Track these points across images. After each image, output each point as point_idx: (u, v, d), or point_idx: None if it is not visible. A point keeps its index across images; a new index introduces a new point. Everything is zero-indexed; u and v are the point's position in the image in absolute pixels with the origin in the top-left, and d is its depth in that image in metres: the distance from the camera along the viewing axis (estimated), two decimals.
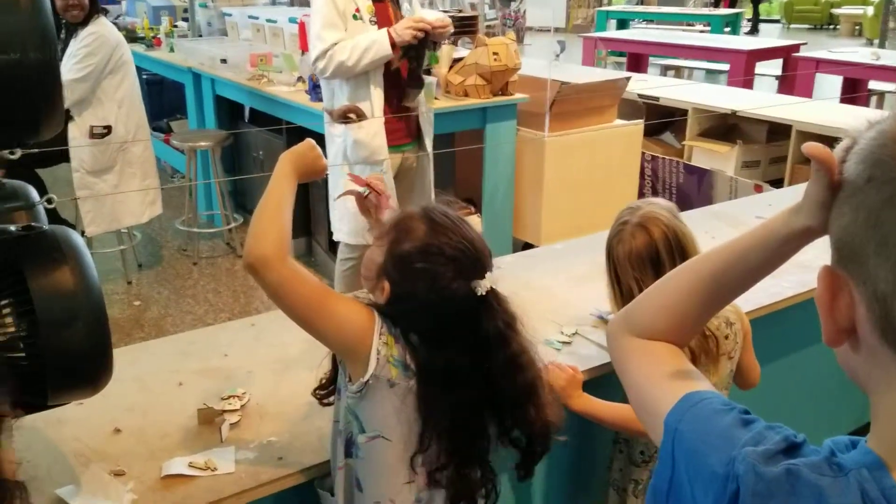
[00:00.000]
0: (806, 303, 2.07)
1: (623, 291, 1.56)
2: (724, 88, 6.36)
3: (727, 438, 0.66)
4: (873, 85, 7.08)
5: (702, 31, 10.83)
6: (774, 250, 0.73)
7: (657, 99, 4.95)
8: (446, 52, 3.85)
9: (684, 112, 4.83)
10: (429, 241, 1.22)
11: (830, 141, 0.66)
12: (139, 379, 1.68)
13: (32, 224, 1.21)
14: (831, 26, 15.59)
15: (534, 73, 4.00)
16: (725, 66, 8.13)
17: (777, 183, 4.39)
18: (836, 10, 15.14)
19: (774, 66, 8.35)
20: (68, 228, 1.26)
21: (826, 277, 0.63)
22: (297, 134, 3.12)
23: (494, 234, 3.84)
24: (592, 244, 1.89)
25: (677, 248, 1.50)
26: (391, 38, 2.81)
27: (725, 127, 4.92)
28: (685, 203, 4.20)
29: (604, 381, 1.70)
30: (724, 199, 4.20)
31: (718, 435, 0.67)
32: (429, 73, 3.62)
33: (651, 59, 9.31)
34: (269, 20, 4.71)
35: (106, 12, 3.94)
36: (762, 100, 5.01)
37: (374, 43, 2.81)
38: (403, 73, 2.97)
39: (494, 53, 3.65)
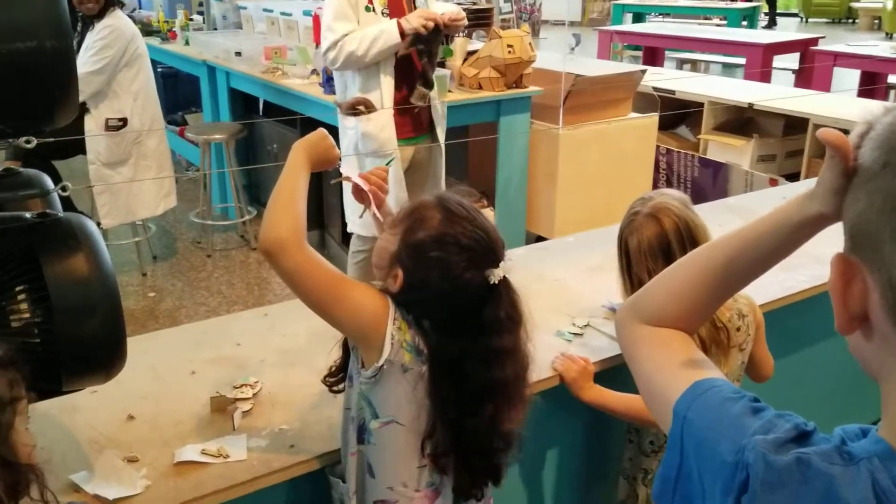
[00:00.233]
0: (821, 296, 2.06)
1: (634, 282, 1.55)
2: (740, 82, 6.30)
3: (737, 427, 0.65)
4: (893, 79, 6.98)
5: (718, 25, 10.75)
6: (787, 237, 0.72)
7: (672, 92, 4.90)
8: (460, 44, 3.84)
9: (700, 105, 4.78)
10: (444, 231, 1.21)
11: (847, 134, 0.65)
12: (153, 367, 1.70)
13: (47, 211, 1.22)
14: (850, 20, 15.42)
15: (548, 66, 3.99)
16: (742, 61, 8.06)
17: (793, 177, 4.35)
18: (854, 4, 14.97)
19: (792, 61, 8.27)
20: (83, 216, 1.27)
21: (839, 264, 0.62)
22: (311, 126, 3.10)
23: (507, 227, 3.82)
24: (605, 237, 1.88)
25: (688, 238, 1.49)
26: (400, 27, 2.81)
27: (741, 121, 4.87)
28: (700, 197, 4.14)
29: (615, 373, 1.70)
30: (740, 193, 4.16)
31: (728, 423, 0.66)
32: (443, 65, 3.62)
33: (667, 52, 9.24)
34: (283, 13, 4.71)
35: (122, 5, 3.96)
36: (779, 93, 4.96)
37: (382, 32, 2.81)
38: (418, 66, 2.97)
39: (509, 46, 3.63)
